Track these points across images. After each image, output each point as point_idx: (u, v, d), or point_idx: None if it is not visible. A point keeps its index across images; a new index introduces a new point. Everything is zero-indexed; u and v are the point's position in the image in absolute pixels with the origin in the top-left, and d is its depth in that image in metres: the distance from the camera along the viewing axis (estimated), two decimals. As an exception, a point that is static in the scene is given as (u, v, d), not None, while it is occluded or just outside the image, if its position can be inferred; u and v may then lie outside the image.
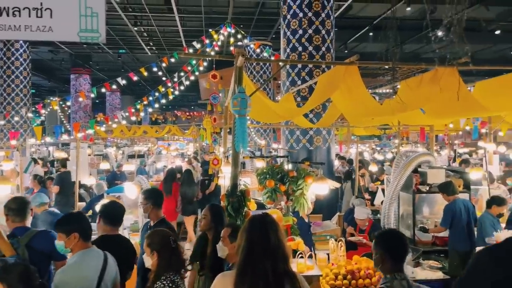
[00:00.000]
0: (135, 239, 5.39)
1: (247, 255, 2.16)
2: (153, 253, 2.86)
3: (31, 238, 3.35)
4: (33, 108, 16.01)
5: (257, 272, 2.11)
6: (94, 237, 4.06)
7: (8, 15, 5.22)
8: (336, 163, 11.77)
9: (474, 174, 6.92)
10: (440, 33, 2.92)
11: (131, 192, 5.69)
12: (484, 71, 16.74)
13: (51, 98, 26.00)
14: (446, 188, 5.67)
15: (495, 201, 5.71)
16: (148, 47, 20.46)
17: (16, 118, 15.86)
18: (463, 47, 2.51)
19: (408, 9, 12.65)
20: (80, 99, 18.20)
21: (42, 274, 3.00)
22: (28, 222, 3.69)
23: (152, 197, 4.06)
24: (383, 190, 8.35)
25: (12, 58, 16.52)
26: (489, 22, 15.77)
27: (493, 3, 12.79)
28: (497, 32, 16.93)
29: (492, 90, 4.76)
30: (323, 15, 8.91)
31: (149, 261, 2.88)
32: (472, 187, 6.65)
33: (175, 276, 2.77)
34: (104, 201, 4.66)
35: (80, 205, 7.61)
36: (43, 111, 12.77)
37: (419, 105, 4.71)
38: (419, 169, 6.25)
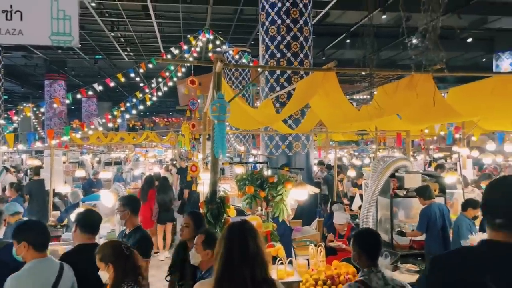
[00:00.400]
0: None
1: (226, 262, 2.13)
2: (108, 265, 2.76)
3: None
4: (5, 115, 15.52)
5: (236, 280, 2.09)
6: (69, 246, 3.95)
7: (-23, 18, 5.06)
8: (315, 168, 11.84)
9: (449, 178, 7.08)
10: (415, 40, 2.98)
11: (107, 200, 5.57)
12: (456, 78, 17.22)
13: (24, 104, 25.34)
14: (423, 192, 5.77)
15: (470, 204, 5.84)
16: (126, 53, 20.21)
17: (-13, 125, 15.34)
18: (438, 53, 2.56)
19: (384, 16, 12.92)
20: (55, 105, 17.79)
21: None
22: (1, 232, 3.56)
23: (130, 204, 3.96)
24: (360, 195, 8.46)
25: (-17, 63, 16.04)
26: (462, 30, 16.27)
27: (465, 11, 13.19)
28: (469, 40, 17.48)
29: (465, 96, 4.89)
30: (301, 22, 9.00)
31: (105, 275, 2.77)
32: (447, 191, 6.80)
33: (133, 287, 2.67)
34: (80, 209, 4.54)
35: (54, 214, 7.41)
36: (15, 117, 12.42)
37: (395, 111, 4.78)
38: (396, 174, 6.35)
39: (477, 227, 5.89)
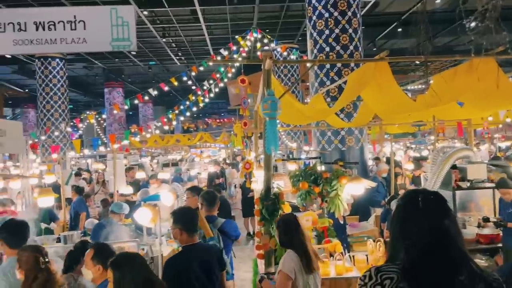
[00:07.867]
0: (173, 246, 5.50)
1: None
2: (20, 270, 2.55)
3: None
4: (71, 123, 16.61)
5: None
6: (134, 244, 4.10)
7: (44, 29, 5.45)
8: (371, 163, 11.56)
9: (518, 168, 6.60)
10: (474, 23, 2.82)
11: (167, 199, 5.78)
12: (522, 61, 16.04)
13: (88, 112, 26.96)
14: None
15: None
16: (177, 57, 20.88)
17: (56, 133, 16.49)
18: (500, 34, 2.41)
19: (438, 1, 12.33)
20: (115, 111, 18.76)
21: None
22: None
23: (180, 218, 3.36)
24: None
25: (50, 76, 17.17)
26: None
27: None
28: (534, 19, 16.20)
29: (533, 79, 4.55)
30: (349, 13, 8.81)
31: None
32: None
33: None
34: (142, 208, 4.72)
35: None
36: (80, 125, 13.24)
37: (455, 97, 4.55)
38: (458, 165, 6.04)
39: None
